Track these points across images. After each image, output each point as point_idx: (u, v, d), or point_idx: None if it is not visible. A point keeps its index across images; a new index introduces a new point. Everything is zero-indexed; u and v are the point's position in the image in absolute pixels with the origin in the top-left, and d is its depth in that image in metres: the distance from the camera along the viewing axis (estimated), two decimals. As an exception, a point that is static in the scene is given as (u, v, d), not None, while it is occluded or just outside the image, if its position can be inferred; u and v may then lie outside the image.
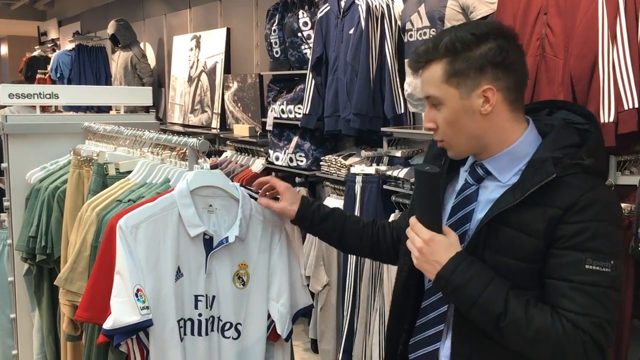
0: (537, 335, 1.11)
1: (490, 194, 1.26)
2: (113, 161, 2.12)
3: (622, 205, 2.06)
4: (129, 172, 2.02)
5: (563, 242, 1.14)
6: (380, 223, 1.63)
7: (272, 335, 1.67)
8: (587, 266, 1.11)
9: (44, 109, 4.79)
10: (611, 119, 2.01)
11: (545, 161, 1.18)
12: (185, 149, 1.87)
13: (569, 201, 1.14)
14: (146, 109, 5.06)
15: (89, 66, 7.30)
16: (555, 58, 2.14)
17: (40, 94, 2.96)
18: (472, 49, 1.20)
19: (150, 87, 4.30)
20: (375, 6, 3.13)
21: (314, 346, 3.48)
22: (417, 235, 1.22)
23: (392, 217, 2.88)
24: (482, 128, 1.24)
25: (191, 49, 5.62)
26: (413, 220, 1.24)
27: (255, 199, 1.67)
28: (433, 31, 2.63)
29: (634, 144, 2.17)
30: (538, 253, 1.16)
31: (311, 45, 3.64)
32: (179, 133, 2.09)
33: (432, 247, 1.20)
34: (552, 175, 1.14)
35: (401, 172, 2.85)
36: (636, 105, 1.98)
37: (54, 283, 1.98)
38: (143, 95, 3.25)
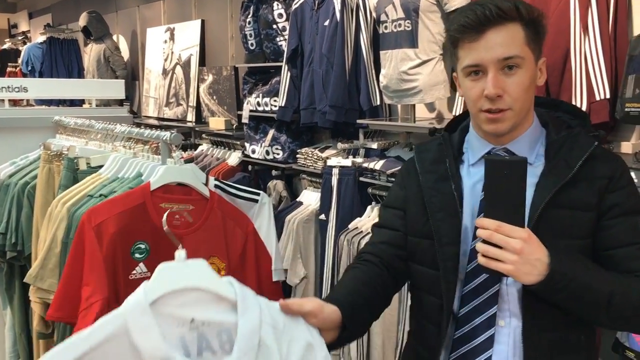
0: (634, 291, 1.12)
1: None
2: (84, 155, 2.08)
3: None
4: (101, 166, 1.99)
5: (617, 209, 1.16)
6: (375, 272, 1.29)
7: None
8: None
9: (15, 102, 4.69)
10: (583, 110, 2.03)
11: (578, 135, 1.21)
12: (158, 143, 1.85)
13: (610, 170, 1.18)
14: (120, 102, 4.99)
15: (60, 59, 7.16)
16: (528, 49, 2.15)
17: (9, 87, 2.90)
18: (541, 19, 1.19)
19: (123, 80, 4.24)
20: (350, -2, 3.11)
21: (292, 339, 3.47)
22: (510, 236, 1.07)
23: (368, 210, 2.88)
24: (532, 101, 1.23)
25: (165, 41, 5.55)
26: (492, 222, 1.08)
27: (234, 194, 1.66)
28: (408, 23, 2.62)
29: (606, 135, 2.20)
30: (592, 227, 1.17)
31: (286, 37, 3.61)
32: (153, 127, 2.06)
33: (531, 245, 1.07)
34: (595, 144, 1.18)
35: (377, 164, 2.85)
36: (607, 96, 2.01)
37: (24, 280, 1.94)
38: (115, 88, 3.20)
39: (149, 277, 1.58)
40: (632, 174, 1.87)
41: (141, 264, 1.58)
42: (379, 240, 1.35)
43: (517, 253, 1.06)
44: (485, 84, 1.16)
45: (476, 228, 1.12)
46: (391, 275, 1.30)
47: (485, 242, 1.09)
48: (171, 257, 1.60)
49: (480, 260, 1.10)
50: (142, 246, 1.57)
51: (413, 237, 1.30)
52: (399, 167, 1.40)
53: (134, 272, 1.57)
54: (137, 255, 1.57)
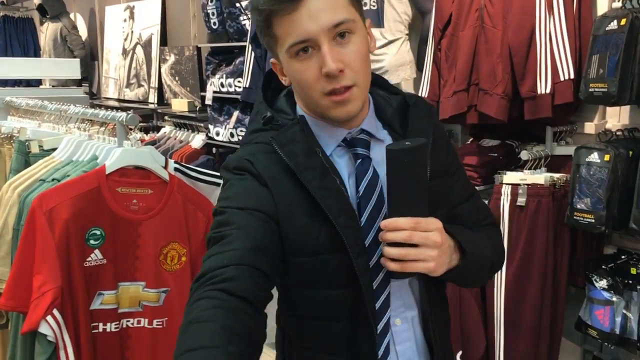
0: (498, 253, 1.16)
1: (382, 158, 0.98)
2: (36, 138, 1.99)
3: (558, 175, 2.10)
4: (54, 149, 1.90)
5: (455, 164, 1.16)
6: (234, 305, 0.87)
7: None
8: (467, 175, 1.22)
9: (-34, 83, 4.49)
10: (547, 90, 2.03)
11: (418, 102, 1.11)
12: (114, 124, 1.77)
13: (440, 126, 1.17)
14: (78, 83, 4.83)
15: (15, 38, 6.90)
16: (494, 29, 2.14)
17: (-43, 66, 2.76)
18: None
19: (78, 59, 4.08)
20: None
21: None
22: (428, 230, 0.93)
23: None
24: (370, 69, 1.04)
25: (125, 20, 5.38)
26: (408, 220, 0.92)
27: (195, 178, 1.61)
28: (374, 2, 2.58)
29: (569, 115, 2.21)
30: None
31: (250, 16, 3.53)
32: (114, 108, 1.98)
33: (444, 234, 0.96)
34: (434, 107, 1.19)
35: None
36: (572, 76, 2.01)
37: (-26, 269, 1.85)
38: (70, 68, 3.08)
39: (104, 265, 1.53)
40: (595, 154, 1.90)
41: (96, 251, 1.52)
42: (244, 246, 0.92)
43: (437, 247, 0.93)
44: (320, 60, 0.95)
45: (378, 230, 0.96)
46: (261, 307, 0.92)
47: (391, 244, 0.93)
48: (128, 243, 1.55)
49: (392, 267, 0.94)
50: (97, 232, 1.51)
51: (302, 257, 1.00)
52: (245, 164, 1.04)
53: (89, 259, 1.51)
54: (92, 241, 1.51)
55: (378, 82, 1.14)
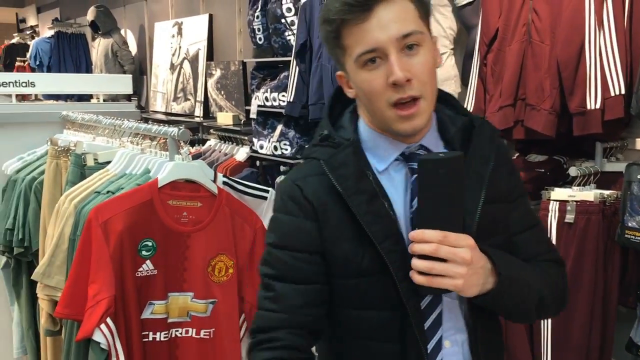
0: (554, 288, 1.10)
1: None
2: (91, 151, 2.07)
3: (608, 192, 2.05)
4: (108, 162, 1.97)
5: (517, 191, 1.12)
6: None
7: None
8: (530, 206, 1.15)
9: (23, 97, 4.69)
10: (597, 106, 2.00)
11: (483, 124, 1.08)
12: (165, 139, 1.83)
13: (505, 152, 1.12)
14: (128, 97, 4.98)
15: (68, 54, 7.16)
16: (541, 44, 2.12)
17: (16, 82, 2.89)
18: None
19: (131, 75, 4.22)
20: (360, -9, 3.08)
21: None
22: (457, 246, 0.92)
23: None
24: (437, 84, 1.05)
25: (173, 36, 5.53)
26: (435, 233, 0.91)
27: (242, 191, 1.65)
28: (418, 17, 2.59)
29: (620, 131, 2.16)
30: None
31: (295, 31, 3.58)
32: (161, 122, 2.04)
33: (476, 253, 0.94)
34: (499, 131, 1.11)
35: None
36: (622, 92, 1.97)
37: (32, 277, 1.93)
38: (123, 83, 3.19)
39: (155, 275, 1.57)
40: (649, 171, 1.85)
41: (148, 261, 1.56)
42: (293, 303, 1.02)
43: (466, 264, 0.92)
44: (387, 70, 0.96)
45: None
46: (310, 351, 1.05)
47: (421, 257, 0.92)
48: (177, 254, 1.59)
49: (419, 280, 0.93)
50: (149, 243, 1.56)
51: (348, 279, 1.03)
52: (296, 190, 1.08)
53: (141, 269, 1.56)
54: (144, 252, 1.56)
55: (447, 101, 1.14)
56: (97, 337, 1.48)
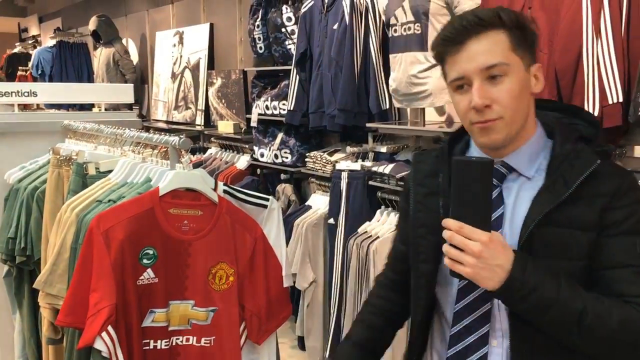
0: (620, 327, 1.05)
1: (518, 193, 1.16)
2: (93, 160, 2.07)
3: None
4: (110, 171, 1.98)
5: (615, 228, 1.09)
6: (384, 307, 1.41)
7: None
8: None
9: (25, 107, 4.70)
10: (596, 113, 2.01)
11: (581, 151, 1.13)
12: (166, 147, 1.84)
13: (613, 187, 1.10)
14: (129, 106, 5.00)
15: (70, 63, 7.21)
16: (539, 52, 2.13)
17: (18, 91, 2.91)
18: (527, 24, 1.15)
19: (132, 84, 4.24)
20: (360, 1, 3.10)
21: (301, 343, 3.46)
22: (471, 239, 1.04)
23: (377, 214, 2.86)
24: (529, 108, 1.16)
25: (174, 45, 5.57)
26: (455, 222, 1.06)
27: (243, 200, 1.65)
28: (417, 26, 2.61)
29: (618, 138, 2.17)
30: (591, 247, 1.10)
31: (295, 40, 3.60)
32: (162, 130, 2.05)
33: (492, 249, 1.03)
34: (597, 162, 1.10)
35: (387, 168, 2.83)
36: (620, 99, 1.98)
37: (34, 286, 1.94)
38: (124, 92, 3.20)
39: (156, 283, 1.58)
40: (646, 179, 1.86)
41: (149, 270, 1.56)
42: (391, 262, 1.43)
43: (475, 256, 1.03)
44: (471, 95, 1.12)
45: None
46: (402, 296, 1.36)
47: (452, 244, 1.08)
48: (178, 262, 1.60)
49: (446, 261, 1.09)
50: (150, 252, 1.56)
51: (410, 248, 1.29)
52: (408, 172, 1.36)
53: (142, 277, 1.56)
54: (145, 260, 1.56)
55: (594, 126, 1.22)
56: (99, 345, 1.49)
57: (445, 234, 1.07)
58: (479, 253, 1.03)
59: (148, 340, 1.59)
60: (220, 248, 1.63)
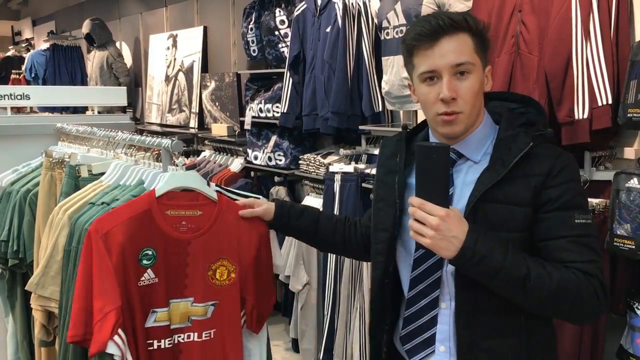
0: (559, 288, 1.19)
1: (465, 176, 1.31)
2: (86, 163, 2.08)
3: (597, 200, 2.08)
4: (102, 174, 1.98)
5: (551, 205, 1.24)
6: (352, 220, 1.67)
7: None
8: (576, 221, 1.24)
9: (19, 110, 4.70)
10: (585, 116, 2.03)
11: (517, 135, 1.28)
12: (159, 150, 1.84)
13: (546, 168, 1.25)
14: (123, 109, 5.00)
15: (64, 66, 7.19)
16: (530, 55, 2.15)
17: (11, 94, 2.91)
18: (486, 31, 1.30)
19: (125, 87, 4.24)
20: (352, 4, 3.12)
21: (295, 346, 3.47)
22: (431, 214, 1.18)
23: (370, 216, 2.87)
24: (481, 103, 1.32)
25: (168, 48, 5.57)
26: (417, 200, 1.20)
27: (233, 200, 1.66)
28: (409, 29, 2.63)
29: (608, 140, 2.19)
30: (527, 221, 1.25)
31: (288, 43, 3.62)
32: (156, 133, 2.06)
33: (448, 223, 1.18)
34: (530, 144, 1.25)
35: (379, 170, 2.84)
36: (610, 102, 2.00)
37: (26, 288, 1.93)
38: (117, 95, 3.21)
39: (156, 283, 1.56)
40: (635, 180, 1.88)
41: (149, 270, 1.55)
42: (365, 217, 1.63)
43: (434, 229, 1.17)
44: (440, 88, 1.25)
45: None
46: (359, 237, 1.61)
47: (416, 220, 1.22)
48: (178, 261, 1.59)
49: (410, 234, 1.23)
50: (150, 252, 1.55)
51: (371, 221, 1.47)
52: None
53: (143, 278, 1.54)
54: (144, 261, 1.54)
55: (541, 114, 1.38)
56: (112, 349, 1.45)
57: (410, 209, 1.21)
58: (437, 226, 1.17)
59: (152, 341, 1.57)
60: (222, 245, 1.61)
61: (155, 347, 1.58)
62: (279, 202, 1.66)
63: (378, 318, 1.46)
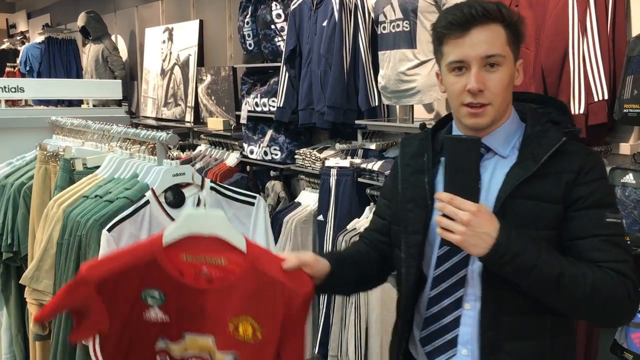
0: (593, 289, 1.15)
1: (493, 171, 1.28)
2: (80, 156, 2.07)
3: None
4: (97, 167, 1.98)
5: (582, 202, 1.20)
6: (365, 249, 1.47)
7: None
8: (607, 220, 1.20)
9: (14, 102, 4.68)
10: (581, 111, 2.03)
11: (548, 131, 1.25)
12: (154, 143, 1.84)
13: (578, 165, 1.22)
14: (118, 103, 4.98)
15: (59, 59, 7.15)
16: (526, 50, 2.15)
17: (5, 87, 2.89)
18: (520, 23, 1.25)
19: (120, 80, 4.22)
20: (349, -2, 3.11)
21: (290, 340, 3.46)
22: (461, 209, 1.13)
23: (366, 211, 2.87)
24: (510, 97, 1.28)
25: (164, 42, 5.54)
26: (447, 195, 1.16)
27: (230, 197, 1.63)
28: (406, 23, 2.62)
29: (604, 135, 2.19)
30: (557, 219, 1.21)
31: (285, 37, 3.60)
32: (151, 127, 2.05)
33: (480, 219, 1.13)
34: (562, 140, 1.22)
35: (375, 165, 2.84)
36: (606, 97, 2.00)
37: (20, 281, 1.93)
38: (112, 89, 3.19)
39: (168, 322, 1.26)
40: (630, 175, 1.88)
41: (156, 308, 1.31)
42: (371, 227, 1.51)
43: (464, 224, 1.13)
44: (468, 79, 1.21)
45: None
46: (379, 256, 1.45)
47: (444, 215, 1.16)
48: (194, 308, 1.26)
49: (438, 231, 1.18)
50: (155, 294, 1.29)
51: (394, 225, 1.39)
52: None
53: (149, 314, 1.32)
54: (149, 300, 1.30)
55: (565, 113, 1.36)
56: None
57: (438, 205, 1.17)
58: (467, 221, 1.12)
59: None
60: (247, 301, 1.30)
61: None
62: (333, 257, 1.37)
63: (406, 325, 1.39)
